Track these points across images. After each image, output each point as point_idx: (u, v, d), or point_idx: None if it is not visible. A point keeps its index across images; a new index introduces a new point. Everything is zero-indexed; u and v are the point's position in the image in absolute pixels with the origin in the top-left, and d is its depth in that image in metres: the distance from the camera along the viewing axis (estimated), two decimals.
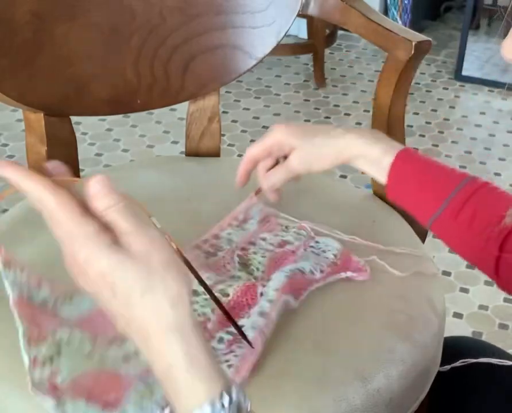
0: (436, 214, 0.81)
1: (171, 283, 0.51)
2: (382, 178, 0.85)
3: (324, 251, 0.89)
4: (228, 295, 0.80)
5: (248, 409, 0.51)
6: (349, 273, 0.87)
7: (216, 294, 0.80)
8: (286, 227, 0.93)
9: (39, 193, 0.52)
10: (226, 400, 0.49)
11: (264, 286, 0.81)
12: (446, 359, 0.89)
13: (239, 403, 0.50)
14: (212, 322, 0.78)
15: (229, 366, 0.73)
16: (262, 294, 0.80)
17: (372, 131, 0.89)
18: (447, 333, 0.91)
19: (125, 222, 0.51)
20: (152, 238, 0.51)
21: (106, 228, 0.51)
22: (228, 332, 0.76)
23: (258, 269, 0.84)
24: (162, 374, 0.51)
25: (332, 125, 0.86)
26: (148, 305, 0.50)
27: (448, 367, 0.90)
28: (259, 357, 0.74)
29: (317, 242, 0.90)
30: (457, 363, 0.90)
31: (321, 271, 0.85)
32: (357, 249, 0.90)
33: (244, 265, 0.84)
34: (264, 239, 0.90)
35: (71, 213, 0.51)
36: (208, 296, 0.69)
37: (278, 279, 0.81)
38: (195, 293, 0.81)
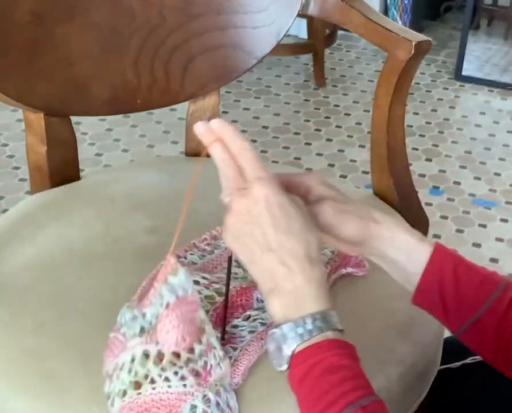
0: (470, 322, 0.72)
1: (316, 233, 0.68)
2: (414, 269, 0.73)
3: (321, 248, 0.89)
4: (223, 295, 0.80)
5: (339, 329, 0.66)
6: (349, 269, 0.86)
7: (211, 294, 0.80)
8: None
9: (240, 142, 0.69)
10: (328, 316, 0.65)
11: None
12: (456, 356, 0.90)
13: (335, 324, 0.65)
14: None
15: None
16: (257, 299, 0.80)
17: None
18: (447, 333, 0.91)
19: None
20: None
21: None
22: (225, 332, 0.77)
23: None
24: (288, 287, 0.65)
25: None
26: (305, 235, 0.66)
27: (458, 363, 0.90)
28: (253, 360, 0.75)
29: None
30: (468, 360, 0.90)
31: None
32: None
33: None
34: None
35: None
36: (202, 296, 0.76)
37: None
38: None
